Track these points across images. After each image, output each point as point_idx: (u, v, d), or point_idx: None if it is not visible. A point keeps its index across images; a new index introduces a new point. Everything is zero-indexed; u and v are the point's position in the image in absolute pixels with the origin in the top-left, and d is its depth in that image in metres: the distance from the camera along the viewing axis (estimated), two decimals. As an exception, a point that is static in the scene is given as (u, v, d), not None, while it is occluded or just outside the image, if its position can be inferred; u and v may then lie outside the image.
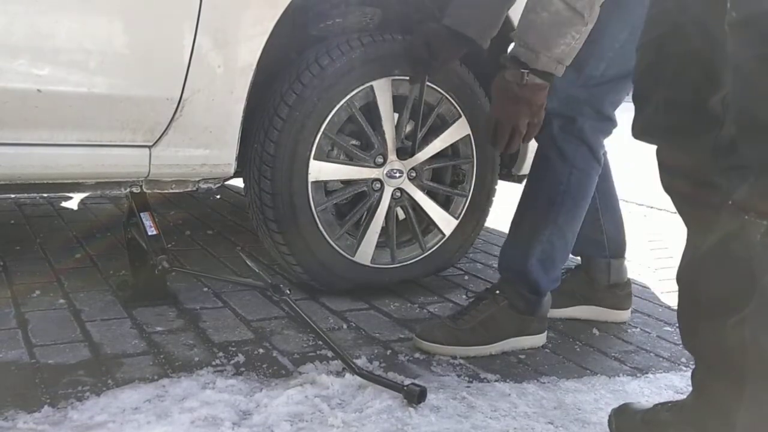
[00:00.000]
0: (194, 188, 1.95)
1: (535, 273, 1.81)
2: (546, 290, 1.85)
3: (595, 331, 2.01)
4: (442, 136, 2.17)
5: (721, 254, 1.15)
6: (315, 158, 2.00)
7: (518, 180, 2.45)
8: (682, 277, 1.27)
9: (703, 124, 1.19)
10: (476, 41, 1.85)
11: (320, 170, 2.02)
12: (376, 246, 2.13)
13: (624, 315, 2.09)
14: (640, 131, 1.29)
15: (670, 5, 1.22)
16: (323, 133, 2.00)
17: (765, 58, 0.90)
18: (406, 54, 2.00)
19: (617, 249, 2.07)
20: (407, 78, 2.05)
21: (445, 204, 2.25)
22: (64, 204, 3.11)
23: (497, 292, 1.84)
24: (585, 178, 1.82)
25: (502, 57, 1.64)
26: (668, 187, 1.31)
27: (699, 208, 1.25)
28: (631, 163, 5.44)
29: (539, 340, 1.87)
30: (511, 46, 1.61)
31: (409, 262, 2.20)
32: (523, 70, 1.56)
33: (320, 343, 1.73)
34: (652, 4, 1.28)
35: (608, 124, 1.84)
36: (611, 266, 2.05)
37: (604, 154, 1.90)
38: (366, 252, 2.11)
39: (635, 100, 1.30)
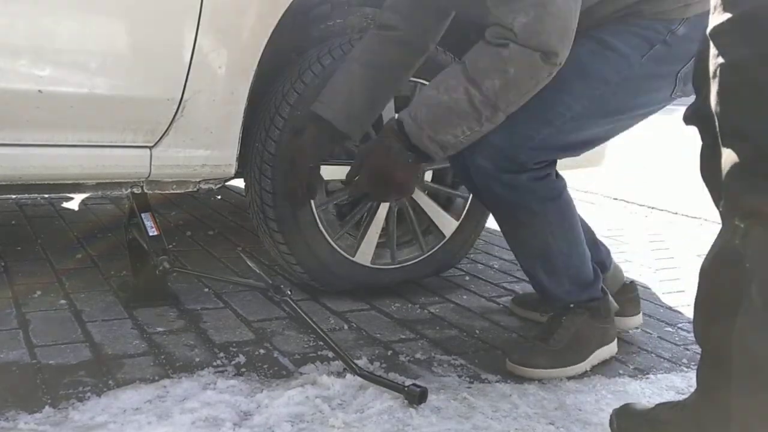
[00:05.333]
0: (195, 189, 1.95)
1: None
2: (588, 279, 1.74)
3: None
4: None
5: (725, 255, 1.16)
6: (316, 158, 2.00)
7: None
8: (702, 269, 1.27)
9: None
10: (337, 128, 1.75)
11: (321, 170, 2.01)
12: (377, 246, 2.13)
13: (632, 321, 1.99)
14: (686, 116, 1.30)
15: None
16: (324, 133, 1.99)
17: (726, 67, 0.95)
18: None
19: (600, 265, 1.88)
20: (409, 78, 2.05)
21: (446, 205, 2.24)
22: (65, 205, 3.12)
23: (571, 306, 1.73)
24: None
25: (388, 120, 1.63)
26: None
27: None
28: (633, 164, 5.46)
29: (614, 348, 1.80)
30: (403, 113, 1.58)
31: (409, 263, 2.19)
32: (401, 144, 1.55)
33: (321, 343, 1.73)
34: None
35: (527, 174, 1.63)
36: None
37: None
38: (366, 252, 2.11)
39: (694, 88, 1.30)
